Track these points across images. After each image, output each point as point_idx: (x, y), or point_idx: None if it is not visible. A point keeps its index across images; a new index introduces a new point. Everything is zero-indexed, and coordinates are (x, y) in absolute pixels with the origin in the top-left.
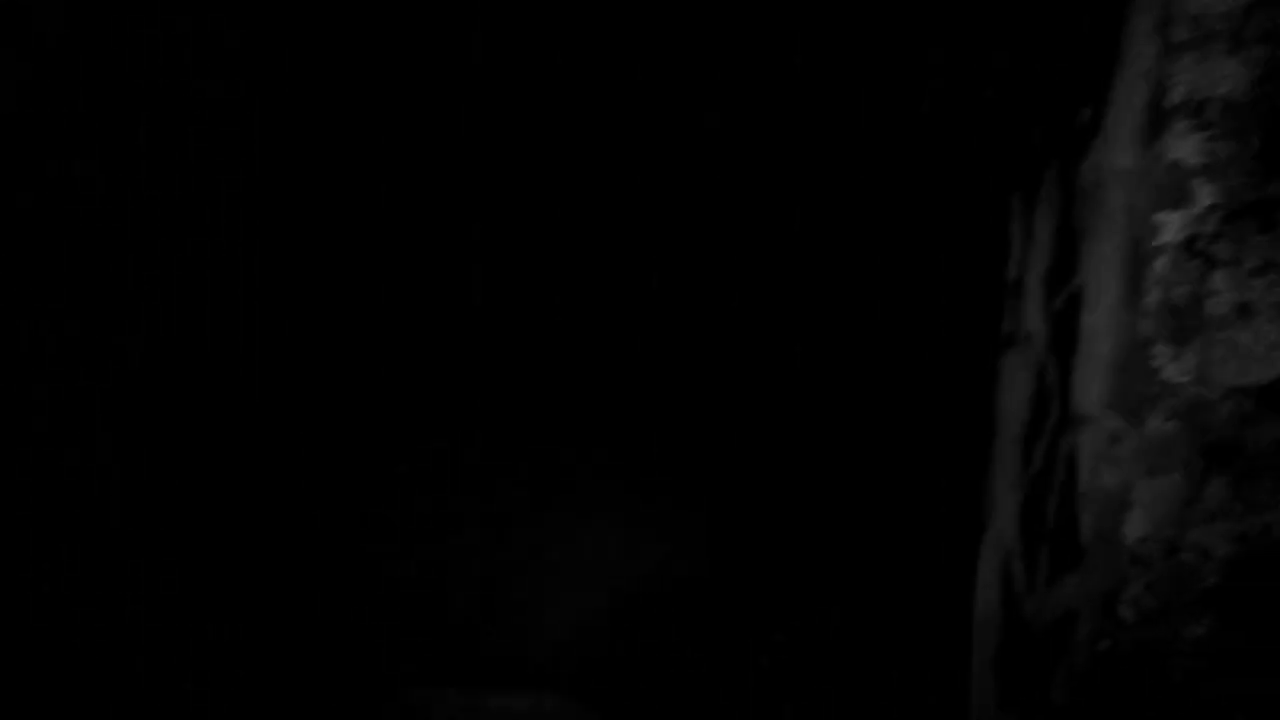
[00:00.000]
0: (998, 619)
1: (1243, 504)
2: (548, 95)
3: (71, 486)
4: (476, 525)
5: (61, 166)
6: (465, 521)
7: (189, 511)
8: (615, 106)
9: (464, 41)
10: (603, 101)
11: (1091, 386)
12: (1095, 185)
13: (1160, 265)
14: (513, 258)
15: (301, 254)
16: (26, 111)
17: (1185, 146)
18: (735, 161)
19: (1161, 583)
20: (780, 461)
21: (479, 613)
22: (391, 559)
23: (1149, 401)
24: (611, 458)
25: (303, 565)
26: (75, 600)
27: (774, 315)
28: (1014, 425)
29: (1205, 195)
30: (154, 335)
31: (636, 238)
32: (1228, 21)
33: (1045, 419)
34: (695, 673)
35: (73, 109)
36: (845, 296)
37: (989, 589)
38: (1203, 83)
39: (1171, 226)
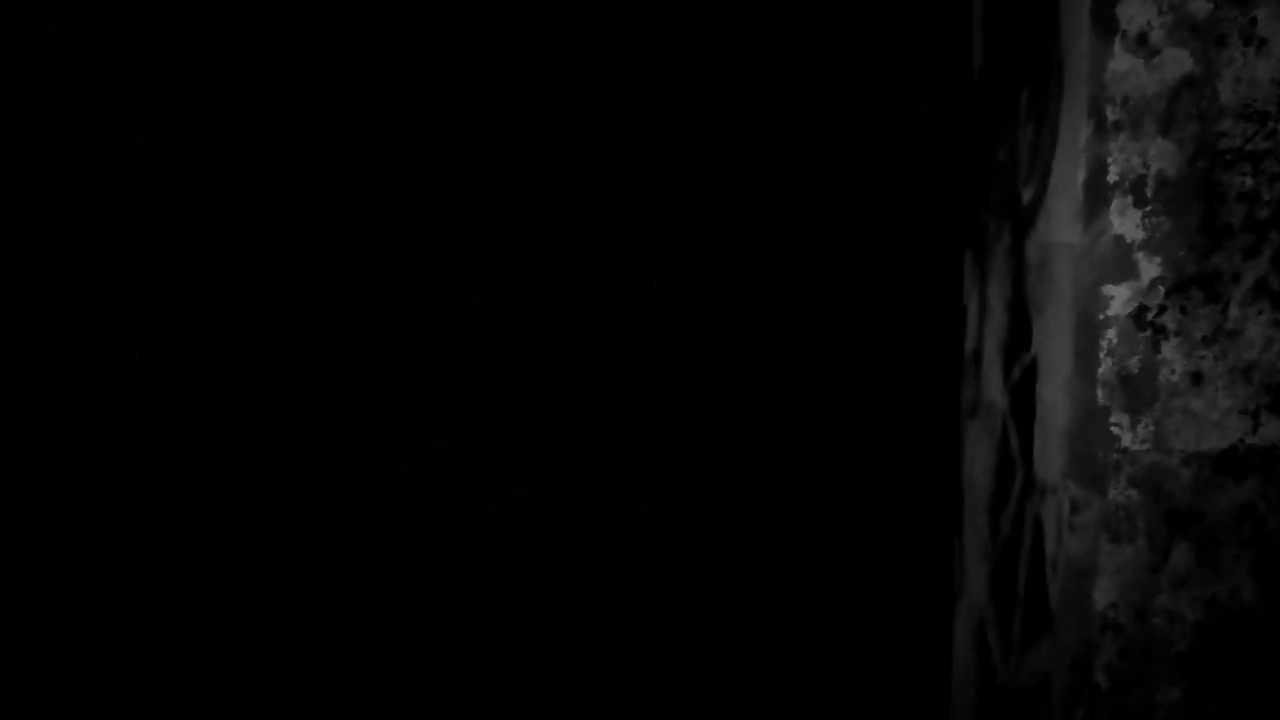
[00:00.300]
0: (974, 684)
1: (1209, 569)
2: (547, 95)
3: (71, 486)
4: (476, 525)
5: (61, 166)
6: (465, 521)
7: (189, 511)
8: (615, 107)
9: (464, 41)
10: (602, 101)
11: (1052, 456)
12: (1042, 260)
13: (1111, 336)
14: (513, 258)
15: (301, 254)
16: (26, 111)
17: (1127, 222)
18: (736, 161)
19: (1133, 648)
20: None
21: (478, 612)
22: (391, 559)
23: (1109, 470)
24: (611, 458)
25: (303, 565)
26: (75, 600)
27: (765, 319)
28: (980, 494)
29: (1150, 268)
30: (154, 335)
31: (637, 238)
32: (1157, 102)
33: (1010, 487)
34: (688, 675)
35: (73, 109)
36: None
37: (965, 654)
38: (1138, 161)
39: (1119, 299)
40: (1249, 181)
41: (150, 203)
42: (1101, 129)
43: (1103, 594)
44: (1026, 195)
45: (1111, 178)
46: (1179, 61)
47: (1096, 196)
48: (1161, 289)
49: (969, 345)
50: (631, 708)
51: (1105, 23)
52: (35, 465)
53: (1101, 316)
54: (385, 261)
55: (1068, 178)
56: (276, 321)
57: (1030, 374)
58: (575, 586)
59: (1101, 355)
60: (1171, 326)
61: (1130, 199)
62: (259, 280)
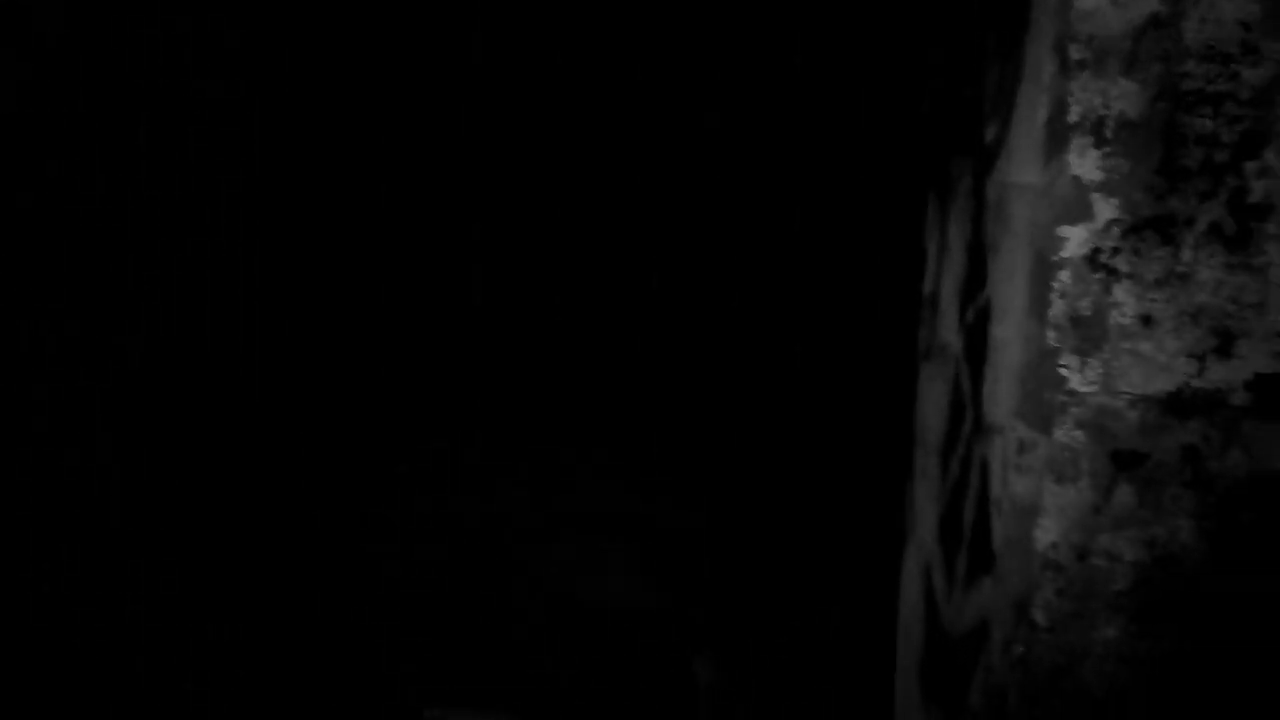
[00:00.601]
0: (920, 626)
1: (1149, 510)
2: (547, 95)
3: (71, 486)
4: (476, 525)
5: (61, 166)
6: (465, 521)
7: (189, 511)
8: (615, 107)
9: (464, 41)
10: (602, 102)
11: (1002, 397)
12: (1001, 200)
13: (1064, 278)
14: (513, 258)
15: (301, 254)
16: (26, 111)
17: (1085, 163)
18: (736, 161)
19: (1072, 588)
20: (724, 480)
21: (478, 611)
22: (391, 559)
23: (1057, 411)
24: (611, 458)
25: (303, 565)
26: (75, 600)
27: (760, 317)
28: (933, 436)
29: (1106, 210)
30: (154, 335)
31: (637, 239)
32: (1122, 42)
33: (961, 429)
34: (630, 693)
35: (73, 109)
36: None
37: (912, 596)
38: (1099, 101)
39: (1074, 240)
40: (1209, 124)
41: (150, 203)
42: (1065, 67)
43: (1045, 534)
44: (989, 135)
45: (1072, 118)
46: (1145, 0)
47: (1057, 136)
48: (1117, 231)
49: (927, 287)
50: (632, 707)
51: None
52: (35, 465)
53: (1056, 258)
54: (385, 262)
55: (1030, 118)
56: (276, 322)
57: (984, 315)
58: (575, 586)
59: (1054, 296)
60: (1124, 269)
61: (1090, 139)
62: (259, 280)
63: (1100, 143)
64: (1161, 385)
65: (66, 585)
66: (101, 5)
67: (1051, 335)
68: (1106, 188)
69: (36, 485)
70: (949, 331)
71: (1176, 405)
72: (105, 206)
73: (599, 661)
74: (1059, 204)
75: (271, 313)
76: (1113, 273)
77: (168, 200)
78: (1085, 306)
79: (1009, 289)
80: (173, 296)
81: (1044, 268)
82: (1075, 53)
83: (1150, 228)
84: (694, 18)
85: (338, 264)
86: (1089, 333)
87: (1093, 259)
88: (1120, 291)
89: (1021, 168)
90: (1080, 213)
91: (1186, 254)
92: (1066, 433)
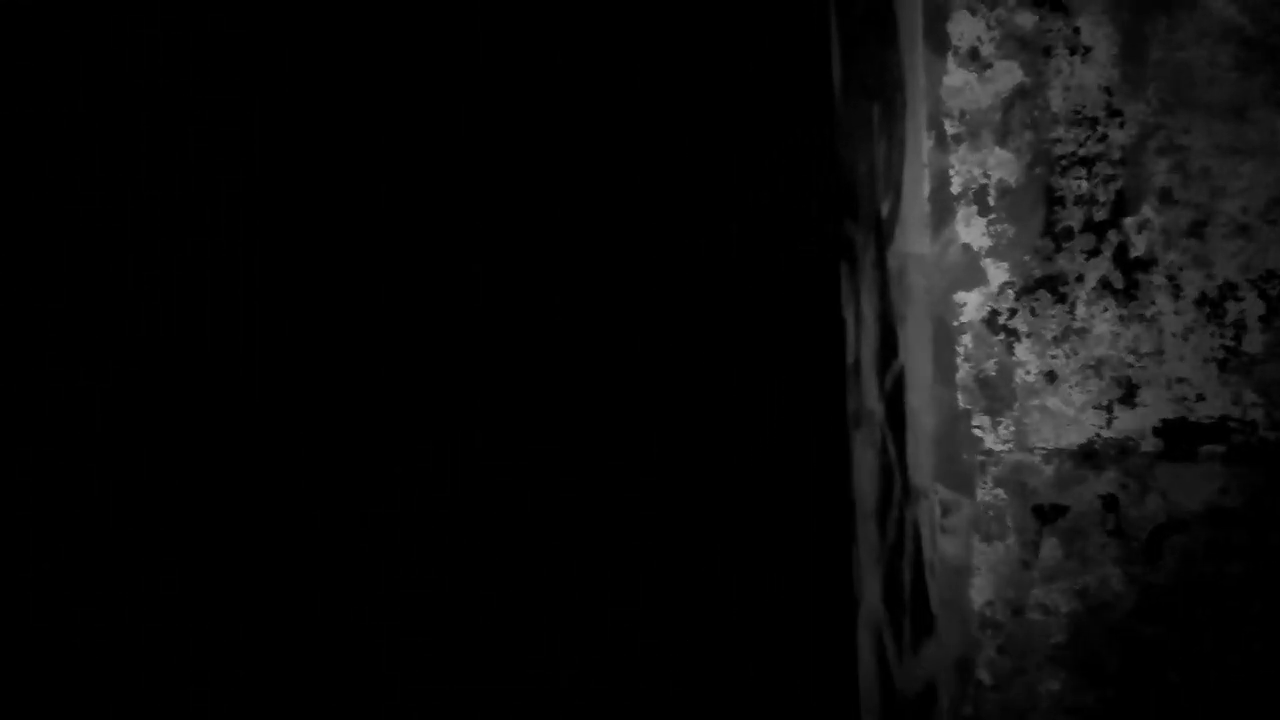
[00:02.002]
0: (875, 691)
1: (1077, 561)
2: (547, 96)
3: (71, 486)
4: (476, 524)
5: (61, 166)
6: (465, 521)
7: (189, 511)
8: (615, 107)
9: (465, 42)
10: (603, 102)
11: (922, 461)
12: (902, 270)
13: (966, 342)
14: (513, 258)
15: (301, 254)
16: (26, 111)
17: (972, 231)
18: (738, 161)
19: (1012, 644)
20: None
21: (478, 612)
22: (391, 559)
23: (975, 470)
24: (610, 457)
25: (303, 565)
26: (75, 600)
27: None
28: (868, 501)
29: (998, 274)
30: (154, 335)
31: (638, 240)
32: (992, 114)
33: (892, 493)
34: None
35: (73, 109)
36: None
37: (866, 660)
38: (979, 171)
39: (971, 305)
40: (1085, 185)
41: (150, 203)
42: (942, 142)
43: (979, 593)
44: (884, 209)
45: (955, 189)
46: (1010, 73)
47: (942, 207)
48: (1011, 293)
49: (850, 357)
50: (632, 707)
51: (937, 39)
52: (35, 465)
53: (956, 323)
54: (385, 262)
55: (916, 192)
56: (276, 322)
57: (899, 383)
58: (575, 586)
59: (959, 360)
60: (1023, 329)
61: (974, 208)
62: (258, 280)
63: (984, 210)
64: (1073, 438)
65: (66, 585)
66: (101, 5)
67: (961, 398)
68: (996, 252)
69: (36, 485)
70: (871, 399)
71: (1090, 456)
72: (105, 206)
73: (599, 661)
74: (952, 271)
75: (271, 312)
76: (1012, 333)
77: (168, 200)
78: (990, 367)
79: (917, 356)
80: (173, 296)
81: (946, 333)
82: (950, 127)
83: (1042, 287)
84: (694, 18)
85: (337, 264)
86: (997, 392)
87: (991, 321)
88: (1022, 350)
89: (915, 239)
90: (973, 278)
91: (1081, 310)
92: (988, 491)
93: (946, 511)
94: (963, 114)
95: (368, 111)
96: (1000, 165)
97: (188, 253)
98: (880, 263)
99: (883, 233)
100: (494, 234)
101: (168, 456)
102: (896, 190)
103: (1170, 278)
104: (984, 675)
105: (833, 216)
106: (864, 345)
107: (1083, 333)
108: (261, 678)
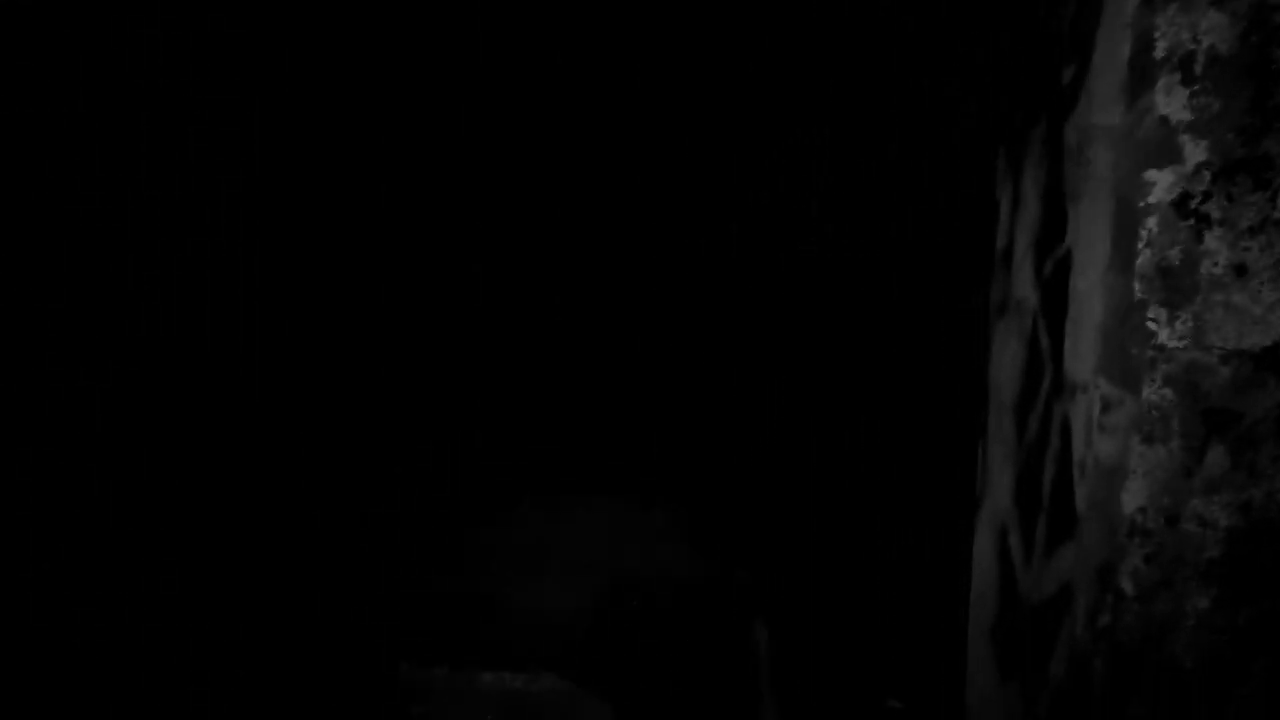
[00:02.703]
0: (994, 592)
1: (1245, 472)
2: (546, 96)
3: (71, 486)
4: (476, 525)
5: (61, 166)
6: (465, 521)
7: (189, 511)
8: (615, 108)
9: (465, 42)
10: (603, 103)
11: (1084, 353)
12: (1080, 145)
13: (1151, 226)
14: (513, 259)
15: (301, 254)
16: (26, 111)
17: (1172, 102)
18: (735, 160)
19: (1162, 555)
20: (775, 441)
21: (476, 607)
22: (391, 559)
23: (1144, 367)
24: (608, 458)
25: (303, 565)
26: (75, 600)
27: (765, 301)
28: (1008, 395)
29: (1195, 152)
30: (154, 335)
31: (638, 240)
32: None
33: (1039, 388)
34: (685, 658)
35: (73, 109)
36: (834, 277)
37: (985, 562)
38: (1187, 35)
39: (1161, 185)
40: None
41: (150, 203)
42: (1150, 1)
43: (1132, 497)
44: (1066, 75)
45: (1158, 54)
46: None
47: (1141, 74)
48: (1207, 174)
49: (1000, 242)
50: (621, 689)
51: None
52: (35, 465)
53: (1142, 204)
54: (385, 262)
55: (1111, 56)
56: (276, 322)
57: (1063, 267)
58: (570, 579)
59: (1140, 246)
60: (1216, 215)
61: (1178, 76)
62: (259, 280)
63: (1188, 80)
64: (1257, 339)
65: (67, 585)
66: (102, 5)
67: (1138, 287)
68: (1195, 128)
69: (36, 485)
70: (1025, 286)
71: (1274, 361)
72: (105, 206)
73: (599, 661)
74: (1144, 147)
75: (271, 313)
76: (1203, 219)
77: (168, 200)
78: (1174, 256)
79: (1091, 239)
80: (173, 296)
81: (1129, 214)
82: None
83: (1243, 171)
84: (695, 18)
85: (337, 264)
86: (1178, 284)
87: (1182, 205)
88: (1212, 240)
89: (1103, 109)
90: (1168, 155)
91: None
92: (1155, 390)
93: (1106, 408)
94: None
95: (368, 112)
96: (1213, 30)
97: (188, 253)
98: (1053, 136)
99: (1060, 103)
100: (494, 234)
101: (167, 456)
102: (1085, 55)
103: None
104: (1126, 585)
105: (994, 91)
106: (1020, 228)
107: None
108: (261, 678)
